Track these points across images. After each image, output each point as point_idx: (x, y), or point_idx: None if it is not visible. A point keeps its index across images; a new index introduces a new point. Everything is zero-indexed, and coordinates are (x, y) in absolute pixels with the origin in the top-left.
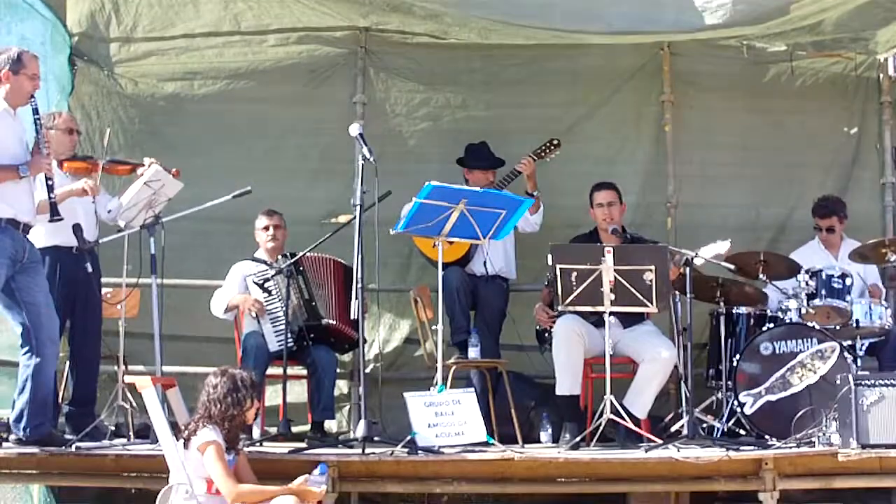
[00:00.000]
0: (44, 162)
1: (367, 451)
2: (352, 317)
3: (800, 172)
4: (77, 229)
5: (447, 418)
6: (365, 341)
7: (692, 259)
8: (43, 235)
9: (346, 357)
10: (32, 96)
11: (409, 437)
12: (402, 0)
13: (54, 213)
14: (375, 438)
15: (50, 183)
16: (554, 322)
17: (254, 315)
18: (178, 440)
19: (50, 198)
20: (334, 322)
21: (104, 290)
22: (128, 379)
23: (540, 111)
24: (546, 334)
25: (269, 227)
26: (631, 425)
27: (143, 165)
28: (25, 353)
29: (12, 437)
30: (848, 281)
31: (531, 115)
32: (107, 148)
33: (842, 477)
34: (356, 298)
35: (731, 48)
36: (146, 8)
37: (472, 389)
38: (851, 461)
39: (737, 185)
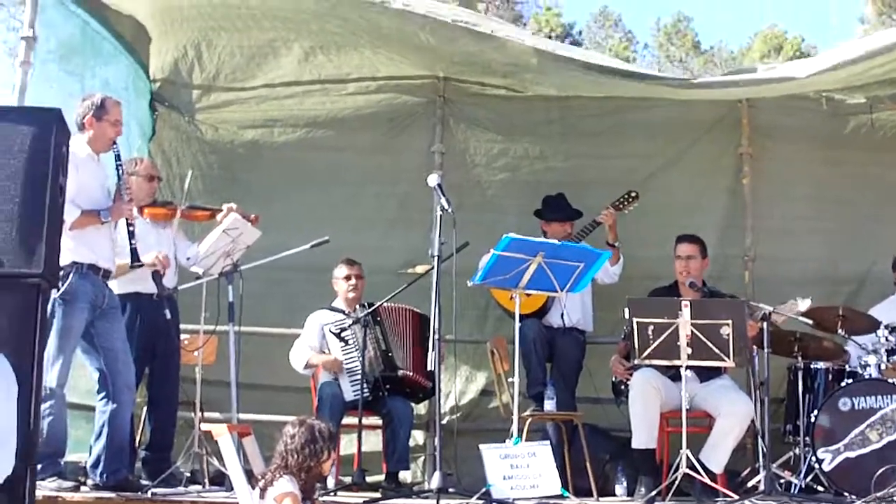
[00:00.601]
0: (125, 207)
1: (442, 502)
2: (428, 367)
3: (880, 226)
4: (156, 276)
5: (522, 471)
6: (440, 392)
7: (770, 314)
8: (120, 283)
9: (422, 408)
10: (115, 142)
11: (483, 490)
12: (480, 52)
13: (135, 259)
14: (450, 490)
15: (131, 229)
16: (630, 374)
17: (333, 375)
18: (252, 489)
19: (131, 243)
20: (410, 373)
21: (182, 337)
22: (204, 426)
23: (618, 162)
24: (622, 387)
25: (350, 276)
26: (707, 480)
27: (222, 211)
28: (102, 398)
29: (89, 482)
30: None
31: (609, 166)
32: (187, 192)
33: None
34: (433, 349)
35: (810, 100)
36: (228, 57)
37: (548, 442)
38: None
39: (815, 239)
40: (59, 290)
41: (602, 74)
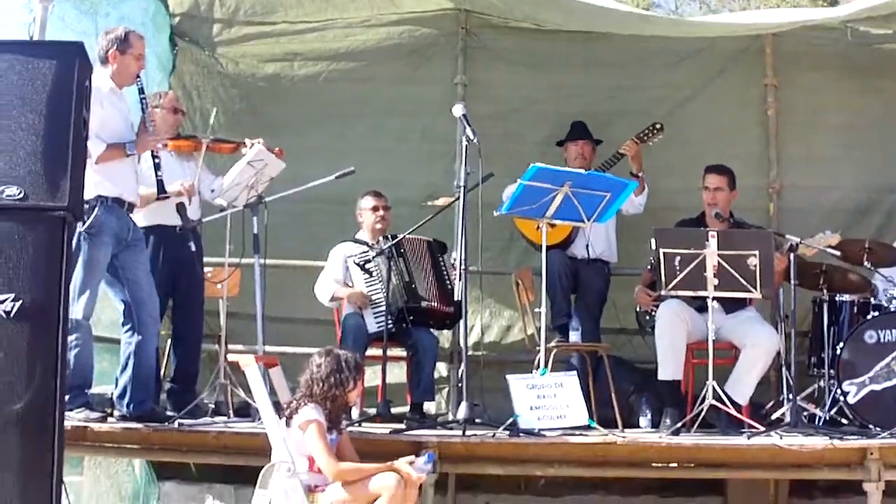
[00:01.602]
0: (150, 140)
1: (469, 432)
2: (456, 297)
3: None
4: (181, 208)
5: (549, 401)
6: (466, 323)
7: (797, 245)
8: (145, 215)
9: (446, 340)
10: (138, 76)
11: (511, 420)
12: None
13: (161, 191)
14: (477, 420)
15: (157, 161)
16: (655, 304)
17: (357, 308)
18: (279, 418)
19: (157, 175)
20: (435, 303)
21: (206, 270)
22: (231, 357)
23: (641, 94)
24: (647, 317)
25: (377, 207)
26: (733, 411)
27: (246, 145)
28: (127, 330)
29: (116, 412)
30: None
31: (632, 98)
32: (212, 127)
33: None
34: (459, 279)
35: (835, 30)
36: None
37: (575, 372)
38: None
39: (842, 169)
40: (84, 223)
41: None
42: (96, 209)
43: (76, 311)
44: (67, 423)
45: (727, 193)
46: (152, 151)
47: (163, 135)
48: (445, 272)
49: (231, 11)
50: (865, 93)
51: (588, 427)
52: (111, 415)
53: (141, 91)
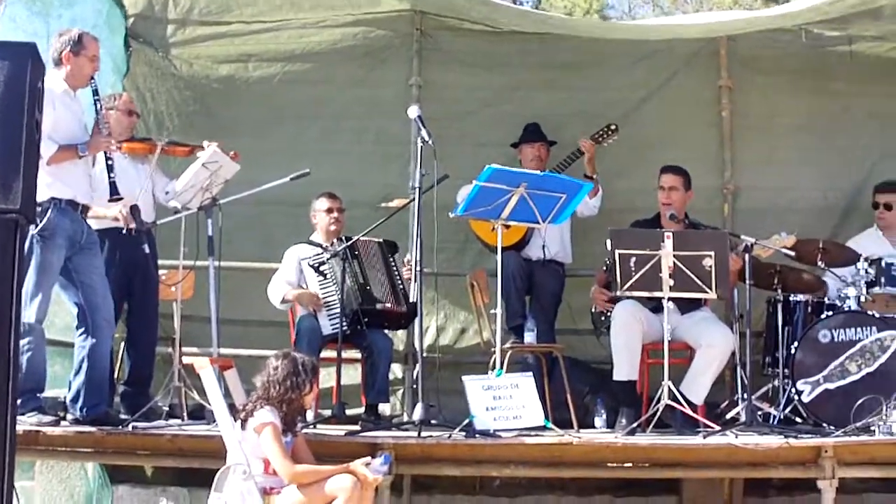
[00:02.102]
0: (103, 141)
1: (424, 433)
2: (411, 299)
3: (862, 157)
4: (134, 211)
5: (505, 402)
6: (422, 325)
7: (752, 246)
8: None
9: (400, 342)
10: (92, 77)
11: (466, 421)
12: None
13: (114, 192)
14: (432, 422)
15: (110, 163)
16: (611, 304)
17: (311, 310)
18: (235, 421)
19: (110, 177)
20: (389, 305)
21: (160, 272)
22: (186, 360)
23: (596, 96)
24: (602, 318)
25: (332, 209)
26: (688, 411)
27: (202, 147)
28: (81, 334)
29: (69, 416)
30: None
31: (588, 99)
32: (167, 129)
33: None
34: (415, 281)
35: (789, 32)
36: None
37: (531, 373)
38: None
39: (795, 170)
40: (37, 225)
41: None
42: (49, 211)
43: (29, 314)
44: (19, 428)
45: (682, 194)
46: (105, 153)
47: (117, 137)
48: (397, 272)
49: (185, 11)
50: (819, 94)
51: (544, 427)
52: (64, 418)
53: (95, 93)
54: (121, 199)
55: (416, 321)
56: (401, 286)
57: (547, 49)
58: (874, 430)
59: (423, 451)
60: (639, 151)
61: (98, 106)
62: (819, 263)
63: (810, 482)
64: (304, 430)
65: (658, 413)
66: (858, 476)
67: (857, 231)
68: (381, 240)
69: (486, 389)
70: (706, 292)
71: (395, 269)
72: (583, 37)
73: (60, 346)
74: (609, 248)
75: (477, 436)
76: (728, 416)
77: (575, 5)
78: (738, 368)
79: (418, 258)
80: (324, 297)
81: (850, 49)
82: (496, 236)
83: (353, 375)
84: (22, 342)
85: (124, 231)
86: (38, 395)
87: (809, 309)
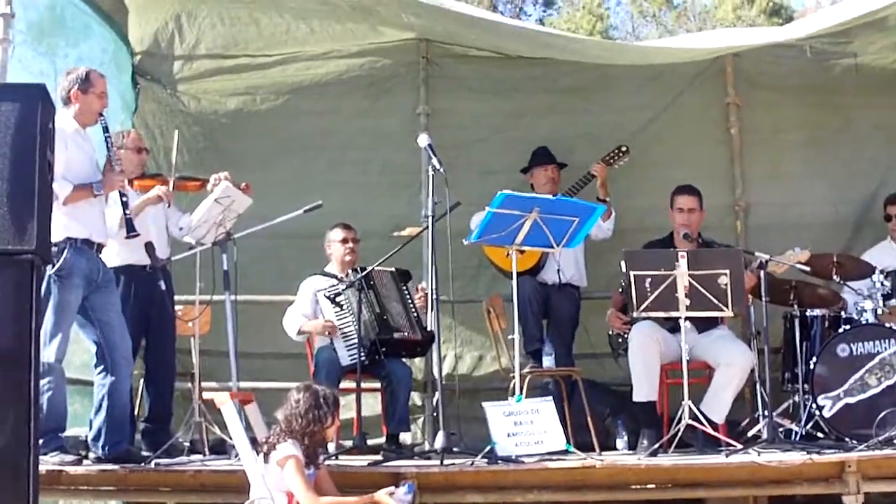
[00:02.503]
0: (116, 179)
1: (446, 461)
2: (428, 328)
3: (875, 168)
4: (150, 247)
5: (526, 427)
6: (440, 352)
7: (766, 262)
8: (116, 254)
9: (419, 370)
10: (102, 114)
11: (488, 447)
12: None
13: (130, 229)
14: (454, 449)
15: (124, 199)
16: (628, 326)
17: (327, 335)
18: (257, 454)
19: (125, 214)
20: (406, 334)
21: (176, 308)
22: (206, 395)
23: (604, 117)
24: (619, 340)
25: (347, 239)
26: (709, 430)
27: (212, 181)
28: (100, 372)
29: (91, 455)
30: None
31: (596, 121)
32: (175, 166)
33: None
34: (431, 309)
35: (794, 48)
36: (209, 27)
37: (551, 398)
38: None
39: (810, 184)
40: (53, 265)
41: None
42: (65, 251)
43: (48, 354)
44: (42, 468)
45: (699, 214)
46: (120, 190)
47: (128, 175)
48: (410, 300)
49: (191, 47)
50: (825, 108)
51: (566, 451)
52: (86, 457)
53: (105, 130)
54: (138, 234)
55: (434, 349)
56: (415, 314)
57: (553, 73)
58: (895, 444)
59: (447, 479)
60: (648, 171)
61: (109, 143)
62: (834, 277)
63: (835, 498)
64: (327, 462)
65: (679, 433)
66: (883, 490)
67: (869, 244)
68: (393, 269)
69: (507, 415)
70: (722, 310)
71: (408, 297)
72: (587, 61)
73: (80, 385)
74: (624, 269)
75: (499, 462)
76: (749, 433)
77: (578, 27)
78: (758, 385)
79: (434, 286)
80: (341, 328)
81: (856, 62)
82: (511, 262)
83: (373, 405)
84: (42, 382)
85: (148, 268)
86: (59, 434)
87: (827, 323)
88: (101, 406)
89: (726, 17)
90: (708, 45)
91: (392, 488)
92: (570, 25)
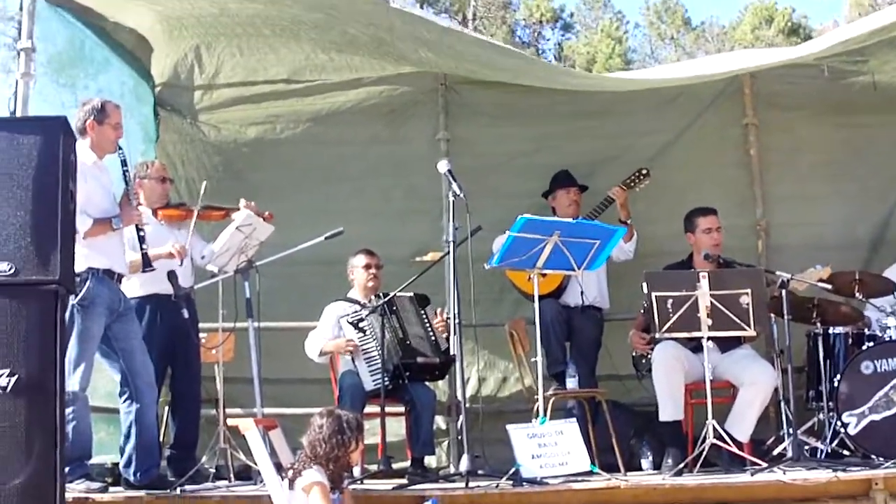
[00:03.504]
0: (134, 213)
1: (472, 484)
2: (451, 352)
3: (890, 187)
4: (172, 276)
5: (551, 449)
6: (464, 376)
7: (788, 281)
8: (140, 284)
9: (443, 394)
10: (120, 147)
11: (513, 469)
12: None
13: (147, 265)
14: (479, 472)
15: (142, 234)
16: (650, 347)
17: (349, 356)
18: (282, 480)
19: (142, 248)
20: (429, 358)
21: (200, 336)
22: (231, 421)
23: (624, 141)
24: (643, 360)
25: (370, 265)
26: (734, 449)
27: (237, 210)
28: (125, 399)
29: (123, 481)
30: None
31: (614, 145)
32: (202, 198)
33: None
34: (454, 333)
35: (811, 67)
36: (228, 57)
37: (575, 419)
38: None
39: (827, 204)
40: (76, 295)
41: None
42: (88, 281)
43: (72, 383)
44: (69, 496)
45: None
46: (137, 224)
47: (152, 205)
48: (429, 324)
49: (211, 76)
50: (843, 127)
51: (590, 473)
52: (114, 484)
53: (124, 164)
54: (153, 269)
55: (458, 372)
56: (433, 338)
57: (572, 99)
58: None
59: (472, 501)
60: (668, 194)
61: (126, 177)
62: (857, 295)
63: None
64: (352, 486)
65: (704, 452)
66: None
67: (888, 263)
68: (411, 294)
69: (531, 437)
70: (745, 330)
71: (426, 321)
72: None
73: (105, 413)
74: (645, 290)
75: (524, 484)
76: (775, 452)
77: (597, 51)
78: (782, 404)
79: (456, 310)
80: (365, 352)
81: (874, 80)
82: (533, 285)
83: (397, 429)
84: (67, 411)
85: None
86: (85, 462)
87: (850, 341)
88: (129, 433)
89: (745, 38)
90: (722, 67)
91: None
92: (588, 49)
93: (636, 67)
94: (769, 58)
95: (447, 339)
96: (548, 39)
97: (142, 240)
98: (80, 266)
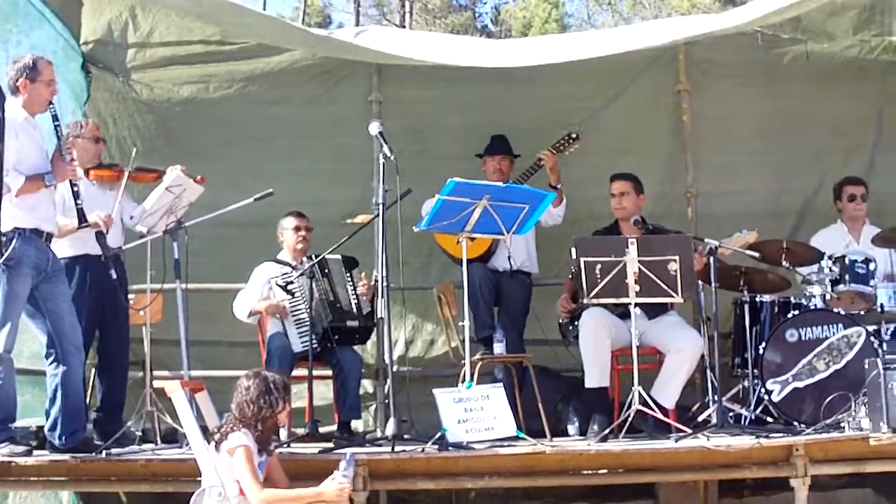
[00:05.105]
0: (68, 168)
1: (398, 448)
2: (378, 315)
3: (821, 157)
4: (100, 237)
5: (477, 413)
6: (391, 340)
7: (716, 248)
8: (70, 245)
9: (370, 357)
10: (51, 102)
11: (439, 434)
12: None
13: (82, 220)
14: (405, 436)
15: (76, 189)
16: (576, 312)
17: (278, 318)
18: (208, 443)
19: (77, 204)
20: (357, 323)
21: (129, 297)
22: (157, 384)
23: (556, 105)
24: (570, 326)
25: (299, 227)
26: (660, 415)
27: (168, 173)
28: (52, 362)
29: (48, 444)
30: (871, 266)
31: (547, 109)
32: (133, 160)
33: (873, 461)
34: (381, 296)
35: (746, 35)
36: (163, 16)
37: (501, 384)
38: (883, 445)
39: (758, 172)
40: (2, 255)
41: None
42: (14, 241)
43: None
44: None
45: (634, 198)
46: (71, 180)
47: (84, 164)
48: (353, 287)
49: (145, 35)
50: (775, 97)
51: (517, 438)
52: (37, 448)
53: (55, 118)
54: (89, 225)
55: (385, 336)
56: (356, 300)
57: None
58: (844, 427)
59: (398, 466)
60: (600, 159)
61: (59, 132)
62: (784, 263)
63: (783, 481)
64: (279, 449)
65: (630, 419)
66: (830, 473)
67: (813, 233)
68: (340, 256)
69: (458, 402)
70: (672, 296)
71: (351, 284)
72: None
73: (30, 375)
74: (574, 256)
75: (450, 449)
76: (699, 418)
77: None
78: (708, 371)
79: (384, 273)
80: (294, 315)
81: (807, 49)
82: (461, 249)
83: (324, 392)
84: None
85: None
86: (9, 425)
87: (776, 309)
88: (55, 396)
89: (681, 5)
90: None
91: (334, 474)
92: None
93: (573, 32)
94: (705, 26)
95: (371, 302)
96: (485, 3)
97: (76, 195)
98: (6, 226)
